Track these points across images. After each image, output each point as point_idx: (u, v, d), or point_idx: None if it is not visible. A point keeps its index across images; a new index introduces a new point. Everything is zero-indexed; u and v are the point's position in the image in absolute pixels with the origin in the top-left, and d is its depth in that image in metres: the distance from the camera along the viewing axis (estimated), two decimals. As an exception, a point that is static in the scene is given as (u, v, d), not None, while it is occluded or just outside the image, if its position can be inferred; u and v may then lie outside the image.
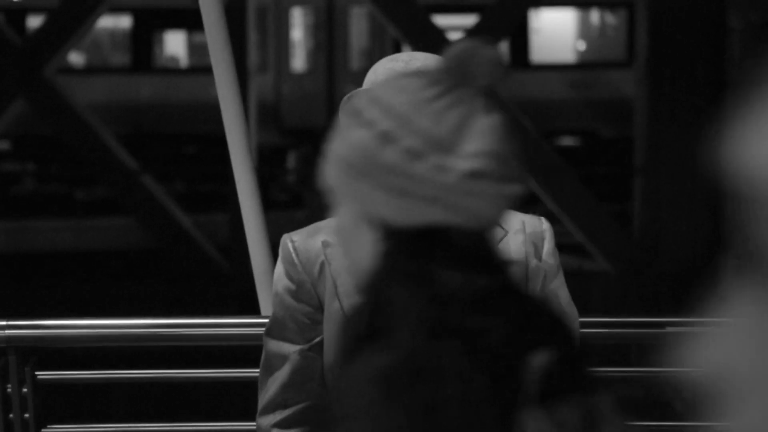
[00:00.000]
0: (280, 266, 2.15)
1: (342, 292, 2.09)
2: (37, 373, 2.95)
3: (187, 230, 10.95)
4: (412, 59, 2.12)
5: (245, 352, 3.35)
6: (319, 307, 2.13)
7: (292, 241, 2.15)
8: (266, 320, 3.03)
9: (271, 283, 3.15)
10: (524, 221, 2.17)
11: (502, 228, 2.16)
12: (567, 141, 16.96)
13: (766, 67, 9.14)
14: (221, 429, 3.13)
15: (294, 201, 15.18)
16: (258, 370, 3.07)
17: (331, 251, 2.12)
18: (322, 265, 2.12)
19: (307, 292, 2.13)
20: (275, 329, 2.16)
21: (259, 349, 3.18)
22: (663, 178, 10.28)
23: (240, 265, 10.47)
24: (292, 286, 2.14)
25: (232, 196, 10.52)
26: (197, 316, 3.10)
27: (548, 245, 2.18)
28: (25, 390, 2.92)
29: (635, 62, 11.94)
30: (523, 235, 2.16)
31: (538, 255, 2.16)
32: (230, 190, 10.65)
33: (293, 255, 2.14)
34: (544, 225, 2.20)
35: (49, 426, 3.00)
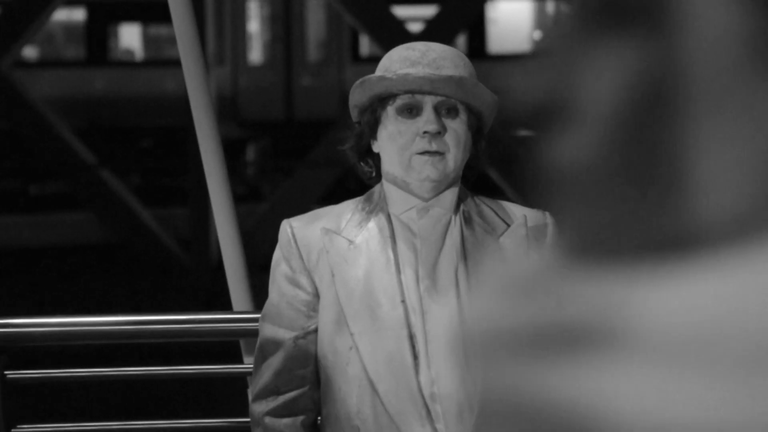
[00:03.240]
0: (278, 252, 2.15)
1: (339, 280, 2.08)
2: (6, 372, 2.91)
3: (146, 224, 10.87)
4: (428, 49, 2.10)
5: (218, 347, 3.32)
6: (316, 295, 2.12)
7: (291, 227, 2.14)
8: (240, 315, 3.02)
9: (243, 277, 3.13)
10: (526, 215, 2.16)
11: (504, 221, 2.15)
12: (526, 131, 17.01)
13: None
14: (196, 426, 3.10)
15: (253, 194, 15.13)
16: (234, 366, 3.06)
17: (330, 239, 2.10)
18: (321, 252, 2.10)
19: (304, 279, 2.12)
20: (271, 315, 2.15)
21: (232, 345, 3.16)
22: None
23: (200, 258, 10.41)
24: (290, 272, 2.13)
25: (192, 190, 10.46)
26: (168, 312, 3.07)
27: (551, 240, 2.17)
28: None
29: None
30: (525, 229, 2.14)
31: (539, 250, 2.15)
32: (189, 183, 10.60)
33: (292, 241, 2.13)
34: (548, 219, 2.19)
35: (18, 426, 2.96)
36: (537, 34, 17.66)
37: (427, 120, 2.07)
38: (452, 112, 2.09)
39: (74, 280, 10.94)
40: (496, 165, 10.27)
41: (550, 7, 17.85)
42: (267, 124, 17.02)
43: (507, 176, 10.43)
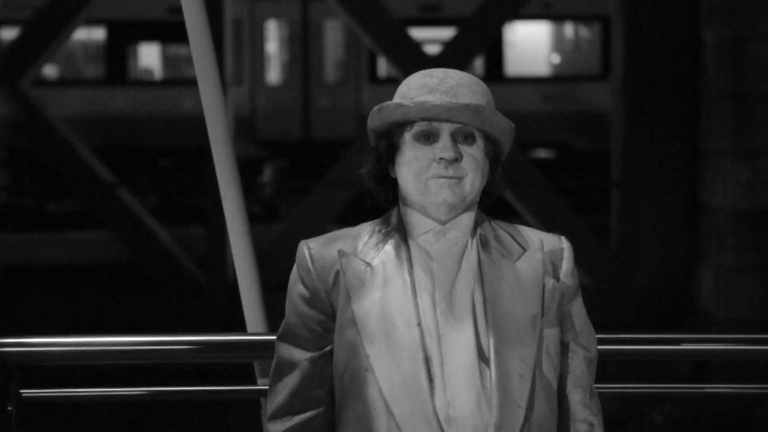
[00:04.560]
0: (295, 272, 2.15)
1: (355, 302, 2.09)
2: (22, 391, 2.92)
3: (162, 243, 10.89)
4: (446, 76, 2.11)
5: (233, 368, 3.32)
6: (332, 316, 2.12)
7: (309, 248, 2.15)
8: (254, 337, 3.01)
9: (257, 298, 3.13)
10: (543, 240, 2.16)
11: (521, 246, 2.14)
12: (542, 153, 17.01)
13: (738, 80, 9.21)
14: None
15: (270, 214, 15.14)
16: (248, 387, 3.06)
17: (347, 261, 2.11)
18: (337, 273, 2.11)
19: (320, 300, 2.12)
20: (287, 335, 2.16)
21: (247, 365, 3.16)
22: (639, 190, 10.31)
23: (217, 278, 10.42)
24: (306, 293, 2.13)
25: (208, 209, 10.48)
26: (183, 333, 3.07)
27: (567, 265, 2.16)
28: (9, 408, 2.88)
29: (610, 75, 11.99)
30: (541, 254, 2.14)
31: (555, 275, 2.14)
32: (206, 202, 10.62)
33: (309, 262, 2.14)
34: (564, 244, 2.19)
35: (33, 445, 2.96)
36: (555, 57, 17.66)
37: (443, 147, 2.07)
38: (469, 138, 2.09)
39: (90, 298, 10.95)
40: (512, 188, 10.25)
41: (569, 31, 17.86)
42: (284, 144, 17.05)
43: (523, 199, 10.41)
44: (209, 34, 3.18)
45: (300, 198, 13.56)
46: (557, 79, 17.43)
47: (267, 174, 16.94)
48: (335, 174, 10.59)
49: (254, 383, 3.02)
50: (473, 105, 2.06)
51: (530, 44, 17.36)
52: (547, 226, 10.38)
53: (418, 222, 2.11)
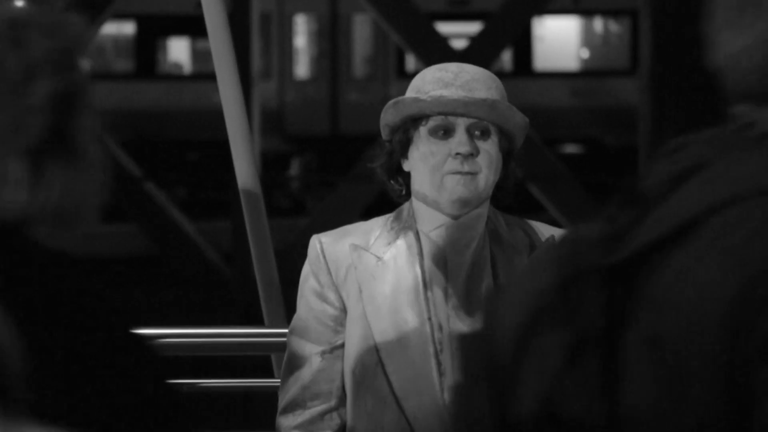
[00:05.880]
0: (307, 267, 2.17)
1: (366, 296, 2.09)
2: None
3: (189, 237, 10.94)
4: (461, 71, 2.12)
5: (248, 361, 3.33)
6: (343, 310, 2.13)
7: (321, 242, 2.16)
8: (271, 330, 3.03)
9: (275, 293, 3.14)
10: (554, 234, 2.17)
11: (532, 240, 2.15)
12: (570, 149, 16.96)
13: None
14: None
15: (297, 207, 15.18)
16: (265, 380, 3.07)
17: (358, 255, 2.11)
18: (349, 268, 2.12)
19: (332, 294, 2.14)
20: (299, 329, 2.17)
21: (263, 359, 3.17)
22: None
23: (242, 272, 10.47)
24: (318, 287, 2.14)
25: (234, 203, 10.52)
26: (200, 326, 3.08)
27: None
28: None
29: (639, 70, 11.93)
30: None
31: None
32: (233, 196, 10.67)
33: (321, 256, 2.15)
34: None
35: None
36: (584, 52, 17.60)
37: (459, 142, 2.07)
38: (484, 133, 2.10)
39: (116, 291, 11.01)
40: (538, 183, 10.23)
41: (598, 25, 17.79)
42: (312, 138, 17.09)
43: (550, 195, 10.39)
44: (227, 25, 3.19)
45: (327, 192, 13.59)
46: (586, 73, 17.37)
47: (294, 168, 16.98)
48: (362, 168, 10.60)
49: (272, 376, 3.03)
50: (489, 100, 2.08)
51: (559, 39, 17.31)
52: (574, 222, 10.33)
53: (430, 216, 2.12)
